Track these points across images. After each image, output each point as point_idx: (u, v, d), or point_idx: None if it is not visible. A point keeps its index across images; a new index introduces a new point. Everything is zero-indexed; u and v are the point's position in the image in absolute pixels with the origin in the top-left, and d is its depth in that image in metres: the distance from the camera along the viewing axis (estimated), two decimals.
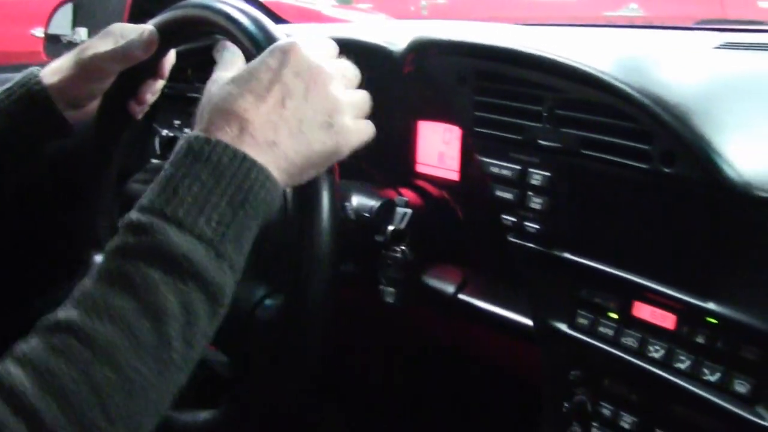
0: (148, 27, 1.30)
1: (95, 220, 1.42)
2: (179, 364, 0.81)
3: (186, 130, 1.95)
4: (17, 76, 1.34)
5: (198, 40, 1.83)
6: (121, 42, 1.33)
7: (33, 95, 1.32)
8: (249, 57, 1.07)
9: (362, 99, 1.02)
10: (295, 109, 0.93)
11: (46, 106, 1.33)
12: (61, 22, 4.10)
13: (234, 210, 0.85)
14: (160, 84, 1.42)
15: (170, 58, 1.39)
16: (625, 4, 7.11)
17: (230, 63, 1.06)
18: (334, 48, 1.03)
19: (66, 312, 0.79)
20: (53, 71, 1.35)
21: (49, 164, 1.45)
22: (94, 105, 1.40)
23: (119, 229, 0.85)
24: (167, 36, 1.30)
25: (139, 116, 1.42)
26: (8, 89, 1.33)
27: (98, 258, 1.41)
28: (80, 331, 0.77)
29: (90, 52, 1.33)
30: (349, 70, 1.02)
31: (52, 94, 1.34)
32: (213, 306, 0.83)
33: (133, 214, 0.84)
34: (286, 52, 0.96)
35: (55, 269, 1.64)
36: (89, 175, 1.42)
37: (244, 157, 0.87)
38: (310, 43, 0.98)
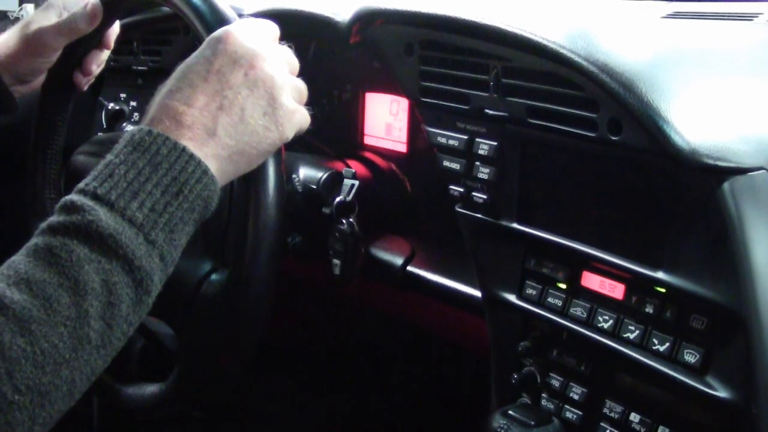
0: None
1: (42, 191, 1.41)
2: (96, 343, 0.79)
3: (132, 103, 1.93)
4: None
5: (143, 12, 1.81)
6: (65, 15, 1.33)
7: None
8: (193, 30, 1.06)
9: (301, 84, 1.00)
10: (235, 97, 0.92)
11: None
12: None
13: (168, 200, 0.84)
14: (105, 55, 1.41)
15: (115, 28, 1.38)
16: None
17: None
18: (274, 30, 1.02)
19: None
20: None
21: None
22: (40, 80, 1.40)
23: (54, 210, 0.84)
24: (111, 7, 1.28)
25: (85, 87, 1.41)
26: None
27: None
28: None
29: (34, 27, 1.33)
30: (289, 56, 1.01)
31: None
32: (138, 292, 0.82)
33: (68, 196, 0.84)
34: (220, 40, 0.94)
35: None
36: (35, 147, 1.41)
37: (183, 150, 0.86)
38: (247, 28, 0.97)
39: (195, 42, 1.00)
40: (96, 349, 0.79)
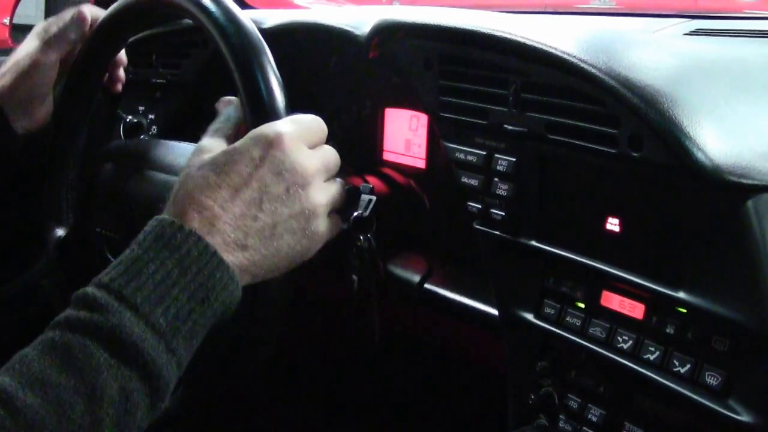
0: (75, 9, 1.33)
1: (59, 192, 1.40)
2: None
3: (150, 115, 1.93)
4: None
5: (162, 25, 1.81)
6: (47, 37, 1.36)
7: None
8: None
9: (336, 192, 1.00)
10: (272, 212, 0.89)
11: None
12: (29, 12, 4.10)
13: (193, 306, 0.82)
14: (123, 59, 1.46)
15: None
16: None
17: (220, 132, 1.01)
18: (322, 132, 1.00)
19: (1, 377, 0.75)
20: None
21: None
22: (43, 111, 1.41)
23: (71, 301, 0.81)
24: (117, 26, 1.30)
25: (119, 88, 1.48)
26: None
27: (59, 231, 1.39)
28: (9, 402, 0.72)
29: (22, 54, 1.36)
30: (331, 161, 0.99)
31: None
32: (153, 399, 0.80)
33: (90, 289, 0.81)
34: (272, 144, 0.91)
35: (16, 245, 1.62)
36: (54, 148, 1.41)
37: (214, 254, 0.84)
38: (297, 133, 0.94)
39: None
40: None
